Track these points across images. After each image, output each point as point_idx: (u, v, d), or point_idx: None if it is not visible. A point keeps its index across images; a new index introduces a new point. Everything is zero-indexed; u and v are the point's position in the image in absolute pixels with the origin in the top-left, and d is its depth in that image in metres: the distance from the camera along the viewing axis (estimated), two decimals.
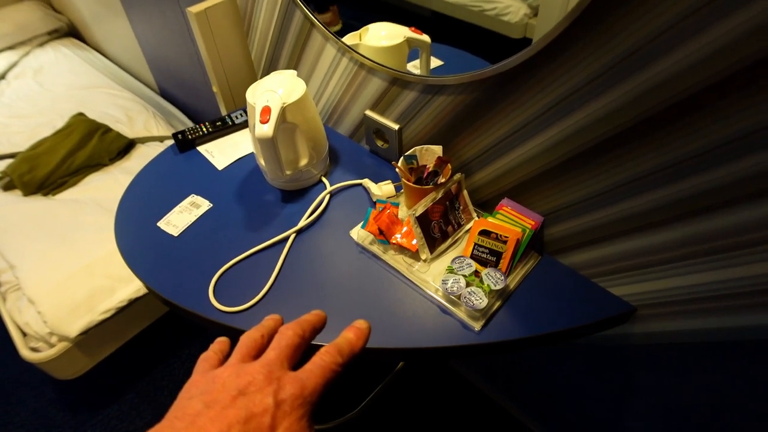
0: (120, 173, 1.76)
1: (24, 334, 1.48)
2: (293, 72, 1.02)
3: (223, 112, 1.39)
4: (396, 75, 0.94)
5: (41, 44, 2.59)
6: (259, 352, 0.41)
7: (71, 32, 2.74)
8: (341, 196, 1.06)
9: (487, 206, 0.99)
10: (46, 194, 1.71)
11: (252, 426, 0.34)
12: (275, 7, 1.11)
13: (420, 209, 0.88)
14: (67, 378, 1.54)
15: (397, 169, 0.92)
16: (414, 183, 0.92)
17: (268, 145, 0.92)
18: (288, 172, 1.00)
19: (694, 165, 0.65)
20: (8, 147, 1.96)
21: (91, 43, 2.65)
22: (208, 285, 0.90)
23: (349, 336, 0.43)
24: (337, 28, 1.08)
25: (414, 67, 1.03)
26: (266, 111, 0.91)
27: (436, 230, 0.90)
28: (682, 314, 0.80)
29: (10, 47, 2.55)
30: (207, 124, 1.22)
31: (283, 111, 0.93)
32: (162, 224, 1.03)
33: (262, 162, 1.02)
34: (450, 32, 0.91)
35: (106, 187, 1.73)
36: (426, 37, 0.99)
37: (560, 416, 1.35)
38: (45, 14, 2.61)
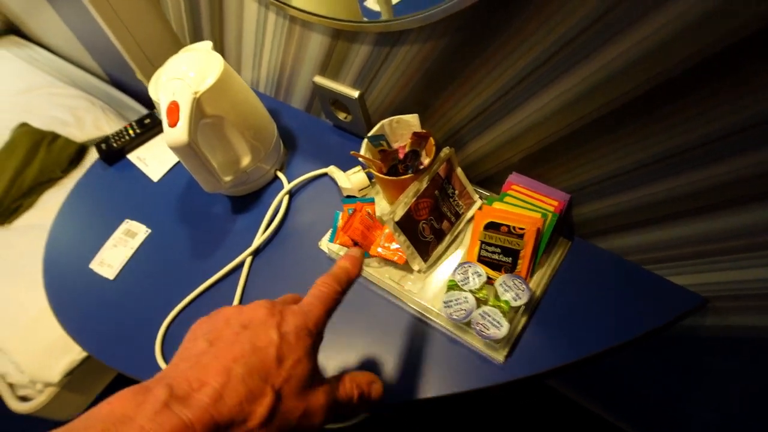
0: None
1: (10, 385, 1.34)
2: (207, 44, 0.76)
3: None
4: (335, 25, 0.67)
5: None
6: None
7: (11, 29, 2.45)
8: (304, 192, 0.83)
9: (491, 183, 0.74)
10: (1, 223, 1.52)
11: (257, 359, 0.34)
12: None
13: (399, 211, 0.64)
14: (67, 418, 1.42)
15: (360, 158, 0.68)
16: (387, 174, 0.68)
17: (186, 153, 0.68)
18: (227, 179, 0.77)
19: None
20: None
21: (32, 37, 2.37)
22: (154, 342, 0.71)
23: (344, 264, 0.43)
24: None
25: (374, 4, 0.76)
26: (173, 109, 0.66)
27: (426, 232, 0.67)
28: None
29: None
30: (133, 124, 0.98)
31: (198, 103, 0.68)
32: (95, 265, 0.83)
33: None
34: None
35: None
36: None
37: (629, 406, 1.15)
38: None
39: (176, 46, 1.07)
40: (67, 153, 1.58)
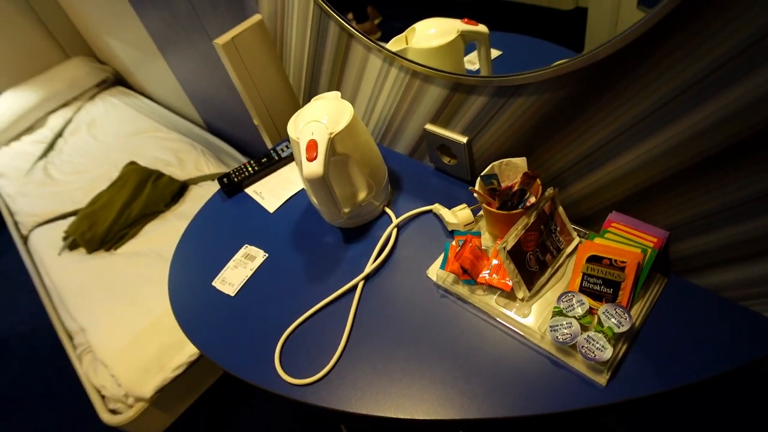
0: (176, 219, 1.71)
1: (102, 397, 1.45)
2: (336, 94, 0.89)
3: (268, 144, 1.28)
4: (457, 79, 0.78)
5: (92, 97, 2.63)
6: None
7: (118, 80, 2.78)
8: (410, 227, 0.91)
9: (589, 222, 0.81)
10: (108, 249, 1.69)
11: None
12: (306, 21, 0.98)
13: (511, 241, 0.71)
14: None
15: (475, 194, 0.76)
16: (498, 208, 0.76)
17: (319, 184, 0.79)
18: (346, 210, 0.87)
19: None
20: (71, 205, 1.97)
21: (137, 88, 2.67)
22: (273, 353, 0.79)
23: None
24: (377, 35, 0.94)
25: (470, 63, 0.87)
26: (312, 146, 0.78)
27: (532, 262, 0.74)
28: None
29: (65, 104, 2.61)
30: (252, 162, 1.12)
31: (332, 143, 0.80)
32: (217, 283, 0.93)
33: (315, 202, 0.89)
34: (488, 14, 0.80)
35: (165, 236, 1.68)
36: (483, 28, 0.83)
37: None
38: (91, 68, 2.66)
39: (288, 94, 1.22)
40: (171, 189, 1.76)
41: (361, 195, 0.88)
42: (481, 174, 0.77)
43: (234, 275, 0.93)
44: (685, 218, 0.67)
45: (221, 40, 1.06)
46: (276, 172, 1.11)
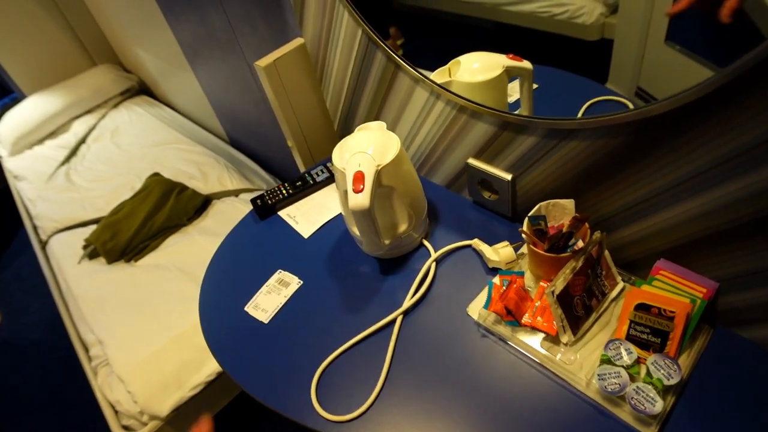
0: (198, 234, 1.71)
1: (116, 412, 1.43)
2: (381, 124, 0.89)
3: (300, 167, 1.28)
4: (509, 119, 0.78)
5: (116, 105, 2.65)
6: None
7: (142, 89, 2.81)
8: (448, 261, 0.91)
9: (634, 268, 0.79)
10: (128, 260, 1.69)
11: None
12: (352, 48, 0.98)
13: (559, 285, 0.70)
14: None
15: (523, 235, 0.76)
16: (546, 250, 0.75)
17: (364, 216, 0.78)
18: (387, 242, 0.86)
19: None
20: (92, 212, 1.98)
21: (161, 98, 2.70)
22: (309, 385, 0.77)
23: None
24: (399, 53, 0.93)
25: (508, 95, 0.87)
26: (359, 178, 0.77)
27: (579, 307, 0.72)
28: None
29: (89, 111, 2.63)
30: (286, 185, 1.11)
31: (378, 175, 0.79)
32: (250, 309, 0.92)
33: (356, 232, 0.88)
34: (512, 42, 0.81)
35: (186, 250, 1.68)
36: (527, 64, 0.83)
37: None
38: (117, 75, 2.69)
39: (323, 118, 1.22)
40: (194, 203, 1.76)
41: (402, 227, 0.88)
42: (529, 215, 0.76)
43: (267, 301, 0.93)
44: (736, 272, 0.66)
45: (263, 62, 1.06)
46: (310, 197, 1.11)
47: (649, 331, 0.70)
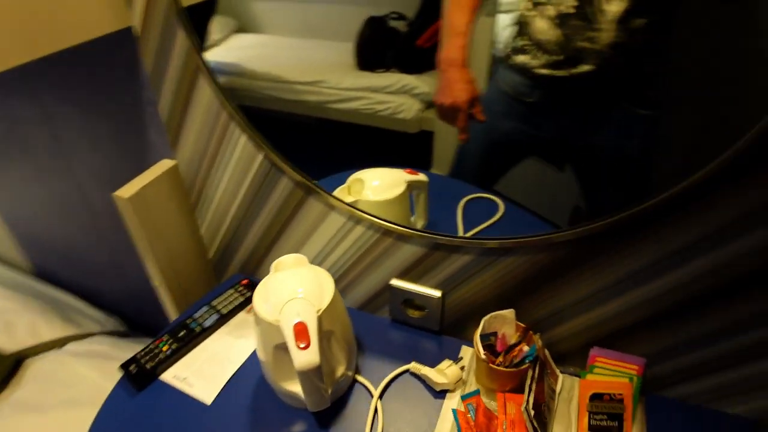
0: (13, 412, 1.27)
1: None
2: (299, 257, 0.79)
3: (170, 309, 1.07)
4: (444, 241, 0.77)
5: None
6: None
7: None
8: (389, 393, 0.82)
9: (566, 360, 0.83)
10: None
11: None
12: (246, 175, 0.88)
13: (531, 401, 0.69)
14: None
15: (482, 355, 0.73)
16: (503, 365, 0.74)
17: (314, 374, 0.67)
18: (329, 391, 0.75)
19: None
20: None
21: None
22: None
23: None
24: None
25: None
26: (302, 331, 0.66)
27: (545, 413, 0.72)
28: None
29: None
30: (166, 338, 0.91)
31: (320, 321, 0.69)
32: None
33: (292, 390, 0.75)
34: (336, 136, 0.85)
35: None
36: (424, 177, 0.85)
37: None
38: None
39: (195, 249, 1.06)
40: None
41: (340, 370, 0.78)
42: (481, 334, 0.75)
43: None
44: (657, 349, 0.75)
45: (125, 191, 0.88)
46: (199, 347, 0.92)
47: (606, 417, 0.73)
